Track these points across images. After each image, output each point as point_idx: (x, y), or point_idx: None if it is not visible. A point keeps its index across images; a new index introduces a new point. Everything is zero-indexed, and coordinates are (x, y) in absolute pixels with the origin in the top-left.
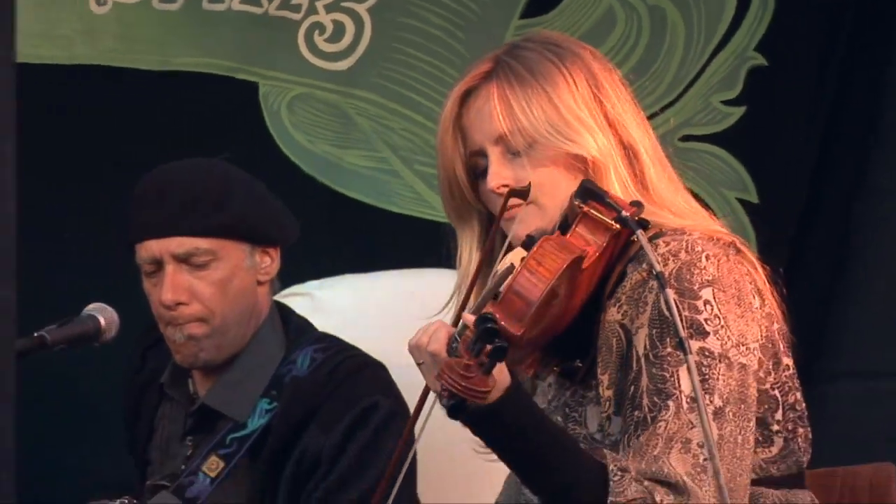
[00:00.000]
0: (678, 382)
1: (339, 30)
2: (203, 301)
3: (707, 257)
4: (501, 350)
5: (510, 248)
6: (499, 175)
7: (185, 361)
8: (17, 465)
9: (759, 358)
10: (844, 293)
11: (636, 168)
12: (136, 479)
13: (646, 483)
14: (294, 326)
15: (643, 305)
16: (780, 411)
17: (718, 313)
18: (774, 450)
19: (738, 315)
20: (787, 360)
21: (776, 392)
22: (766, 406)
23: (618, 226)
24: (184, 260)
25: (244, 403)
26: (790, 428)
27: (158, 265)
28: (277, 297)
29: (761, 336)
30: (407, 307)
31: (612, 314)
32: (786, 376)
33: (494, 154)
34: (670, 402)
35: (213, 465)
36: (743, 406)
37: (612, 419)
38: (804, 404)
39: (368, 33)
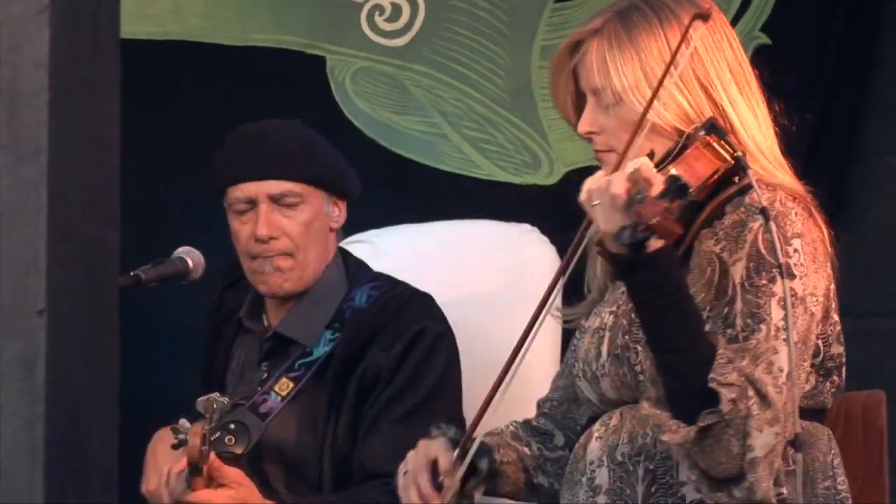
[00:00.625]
0: (770, 311)
1: (396, 11)
2: (291, 237)
3: (796, 213)
4: (691, 205)
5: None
6: (585, 121)
7: (270, 290)
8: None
9: (822, 309)
10: (838, 245)
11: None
12: None
13: (743, 377)
14: (353, 268)
15: (742, 243)
16: (819, 357)
17: (802, 263)
18: (807, 387)
19: (813, 270)
20: (836, 317)
21: (819, 342)
22: (811, 352)
23: (732, 162)
24: (276, 200)
25: (312, 331)
26: (822, 374)
27: (252, 204)
28: (343, 244)
29: (824, 291)
30: (454, 252)
31: (710, 245)
32: (830, 330)
33: (591, 102)
34: (762, 326)
35: (284, 386)
36: (803, 347)
37: None
38: (844, 358)
39: (422, 14)
